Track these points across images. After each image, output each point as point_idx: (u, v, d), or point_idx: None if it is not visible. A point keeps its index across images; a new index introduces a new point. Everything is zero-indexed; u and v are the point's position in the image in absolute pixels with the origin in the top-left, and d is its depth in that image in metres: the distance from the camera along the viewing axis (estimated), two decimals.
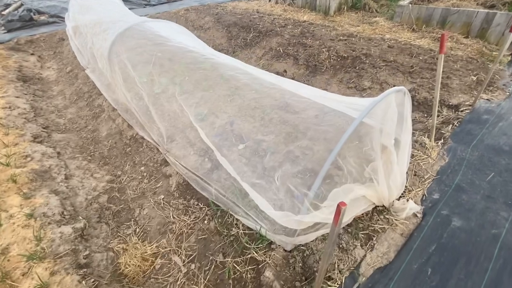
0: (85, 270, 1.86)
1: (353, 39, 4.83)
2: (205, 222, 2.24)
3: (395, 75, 3.76)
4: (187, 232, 2.21)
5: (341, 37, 4.93)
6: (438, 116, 3.11)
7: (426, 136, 2.69)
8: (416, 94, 3.45)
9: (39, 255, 1.82)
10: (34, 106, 3.76)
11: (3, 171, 2.43)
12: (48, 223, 2.04)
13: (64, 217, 2.16)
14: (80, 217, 2.25)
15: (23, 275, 1.76)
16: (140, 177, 2.81)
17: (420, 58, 4.00)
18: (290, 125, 2.66)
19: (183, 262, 2.01)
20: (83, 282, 1.77)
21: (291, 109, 2.77)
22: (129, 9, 8.17)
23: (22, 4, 8.25)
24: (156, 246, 2.16)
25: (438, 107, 3.23)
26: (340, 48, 4.49)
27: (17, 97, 3.75)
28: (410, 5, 5.50)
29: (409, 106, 2.02)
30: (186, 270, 1.97)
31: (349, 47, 4.48)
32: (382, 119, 1.87)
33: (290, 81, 2.81)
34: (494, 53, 4.59)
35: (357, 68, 4.10)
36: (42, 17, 7.33)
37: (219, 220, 2.20)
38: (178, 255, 2.07)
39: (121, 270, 1.98)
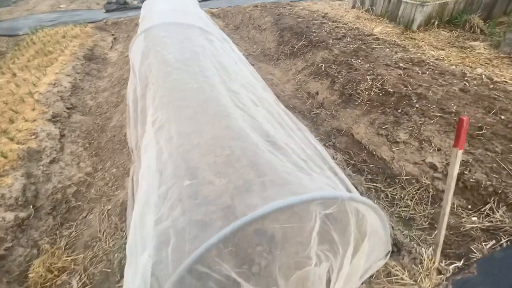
0: None
1: (417, 68, 3.68)
2: (117, 254, 2.09)
3: (447, 134, 2.66)
4: (101, 256, 2.12)
5: (402, 64, 3.83)
6: (480, 218, 2.05)
7: (428, 249, 1.78)
8: (466, 172, 2.36)
9: None
10: (76, 86, 4.32)
11: (4, 145, 2.84)
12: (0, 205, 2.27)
13: (17, 203, 2.37)
14: (31, 206, 2.43)
15: None
16: (108, 179, 2.87)
17: (502, 117, 2.70)
18: None
19: None
20: None
21: None
22: (209, 0, 8.53)
23: None
24: (71, 260, 2.15)
25: (492, 200, 2.12)
26: (391, 79, 3.49)
27: (67, 75, 4.38)
28: None
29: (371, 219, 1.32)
30: None
31: (402, 80, 3.43)
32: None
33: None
34: None
35: (399, 111, 3.10)
36: (135, 2, 8.40)
37: None
38: (79, 278, 2.00)
39: (28, 273, 2.05)
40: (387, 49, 4.43)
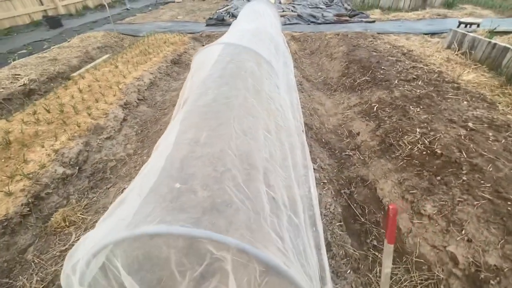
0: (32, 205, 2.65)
1: (491, 133, 2.92)
2: None
3: (488, 225, 2.03)
4: None
5: (473, 123, 3.11)
6: None
7: None
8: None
9: (30, 176, 2.78)
10: (154, 83, 5.25)
11: (83, 117, 3.74)
12: (57, 160, 3.02)
13: (69, 162, 3.10)
14: (77, 168, 3.13)
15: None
16: (138, 163, 3.39)
17: None
18: None
19: None
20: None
21: None
22: (295, 23, 9.01)
23: (231, 8, 11.05)
24: (82, 218, 2.66)
25: None
26: (445, 138, 2.89)
27: (151, 73, 5.38)
28: None
29: None
30: None
31: (460, 143, 2.79)
32: None
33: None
34: None
35: (438, 178, 2.55)
36: (231, 19, 9.53)
37: None
38: (79, 234, 2.47)
39: (51, 216, 2.65)
40: (465, 102, 3.68)
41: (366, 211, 2.74)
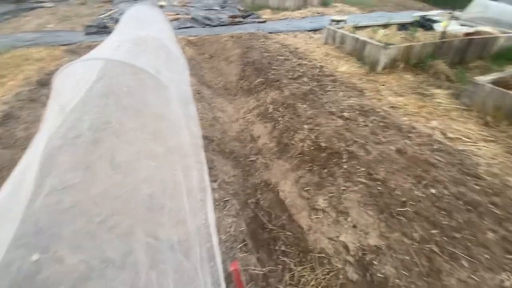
0: None
1: (362, 119, 3.37)
2: None
3: (366, 208, 2.28)
4: None
5: (348, 112, 3.53)
6: None
7: None
8: (376, 262, 1.96)
9: None
10: (11, 115, 4.12)
11: None
12: None
13: None
14: None
15: None
16: None
17: (433, 191, 2.32)
18: None
19: None
20: None
21: None
22: (190, 27, 8.61)
23: (116, 12, 9.84)
24: None
25: None
26: (327, 131, 3.17)
27: (5, 103, 4.19)
28: (489, 85, 3.52)
29: None
30: None
31: (338, 134, 3.11)
32: None
33: None
34: None
35: (325, 171, 2.76)
36: (115, 26, 8.49)
37: None
38: None
39: None
40: (341, 92, 4.16)
41: (273, 216, 2.75)
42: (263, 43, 6.63)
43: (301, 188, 2.73)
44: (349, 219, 2.28)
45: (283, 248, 2.46)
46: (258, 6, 11.51)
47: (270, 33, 8.04)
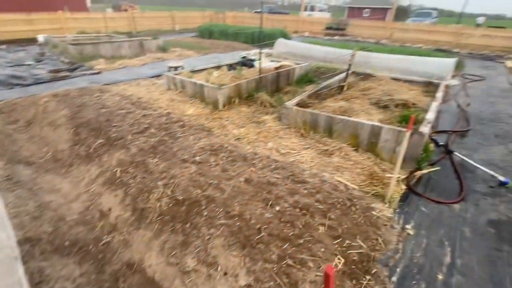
0: None
1: (213, 159, 3.58)
2: None
3: (230, 249, 2.37)
4: None
5: (200, 156, 3.66)
6: None
7: None
8: None
9: None
10: None
11: None
12: None
13: None
14: None
15: None
16: None
17: (277, 208, 2.74)
18: None
19: None
20: None
21: None
22: None
23: None
24: None
25: None
26: (183, 182, 3.14)
27: None
28: (295, 107, 4.66)
29: None
30: None
31: (193, 181, 3.15)
32: None
33: None
34: (387, 174, 3.64)
35: (188, 225, 2.69)
36: None
37: None
38: None
39: None
40: (191, 136, 4.29)
41: None
42: (98, 98, 5.95)
43: (168, 254, 2.50)
44: (219, 268, 2.27)
45: None
46: (88, 57, 10.41)
47: (107, 84, 7.39)
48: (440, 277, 2.33)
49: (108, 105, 5.47)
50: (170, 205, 2.90)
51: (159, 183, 3.17)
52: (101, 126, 4.59)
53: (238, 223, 2.56)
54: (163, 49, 12.61)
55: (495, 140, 4.89)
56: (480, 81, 9.15)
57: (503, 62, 12.55)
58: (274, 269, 2.17)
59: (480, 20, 23.46)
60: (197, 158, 3.60)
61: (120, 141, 4.15)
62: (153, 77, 8.42)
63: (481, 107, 6.62)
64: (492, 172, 3.69)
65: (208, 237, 2.50)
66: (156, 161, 3.60)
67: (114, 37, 13.43)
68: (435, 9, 31.53)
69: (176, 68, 7.38)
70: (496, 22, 40.49)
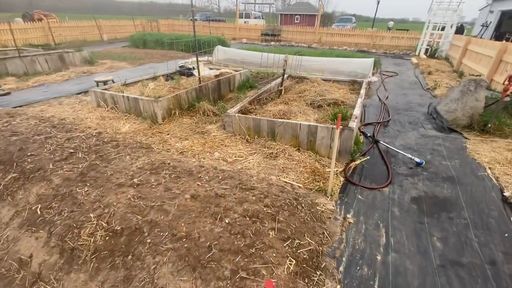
0: None
1: (153, 179, 3.34)
2: None
3: (180, 275, 2.22)
4: None
5: (138, 178, 3.37)
6: None
7: None
8: None
9: None
10: None
11: None
12: None
13: None
14: None
15: None
16: None
17: (227, 220, 2.68)
18: None
19: None
20: None
21: None
22: None
23: None
24: None
25: None
26: (120, 210, 2.83)
27: None
28: (237, 114, 4.69)
29: None
30: None
31: (132, 206, 2.88)
32: None
33: None
34: (327, 169, 3.89)
35: (130, 256, 2.43)
36: None
37: None
38: None
39: None
40: (128, 156, 3.93)
41: None
42: (7, 124, 5.03)
43: None
44: None
45: None
46: None
47: (18, 107, 6.33)
48: (379, 258, 2.58)
49: (20, 131, 4.65)
50: (107, 238, 2.58)
51: (91, 215, 2.80)
52: (13, 158, 3.87)
53: (186, 245, 2.41)
54: (90, 61, 11.41)
55: (409, 127, 5.72)
56: (394, 76, 10.64)
57: (410, 59, 14.87)
58: (228, 285, 2.10)
59: (390, 24, 27.45)
60: (136, 180, 3.30)
61: (39, 172, 3.56)
62: (79, 93, 7.53)
63: (396, 99, 7.69)
64: (409, 155, 4.29)
65: (153, 266, 2.30)
66: (87, 190, 3.18)
67: (26, 50, 11.61)
68: (354, 15, 35.81)
69: (105, 82, 6.72)
70: (402, 25, 47.88)
